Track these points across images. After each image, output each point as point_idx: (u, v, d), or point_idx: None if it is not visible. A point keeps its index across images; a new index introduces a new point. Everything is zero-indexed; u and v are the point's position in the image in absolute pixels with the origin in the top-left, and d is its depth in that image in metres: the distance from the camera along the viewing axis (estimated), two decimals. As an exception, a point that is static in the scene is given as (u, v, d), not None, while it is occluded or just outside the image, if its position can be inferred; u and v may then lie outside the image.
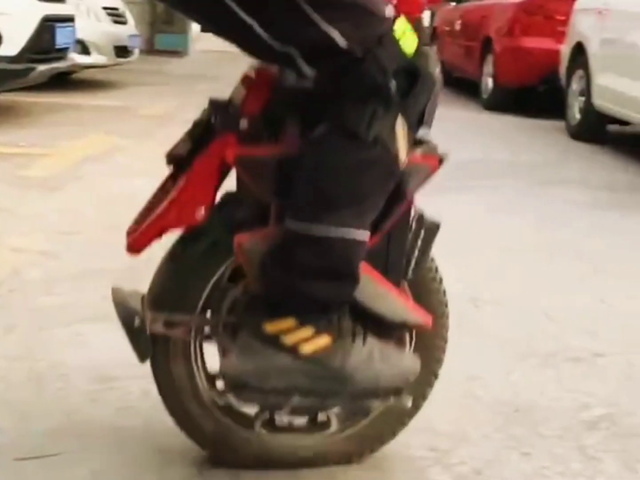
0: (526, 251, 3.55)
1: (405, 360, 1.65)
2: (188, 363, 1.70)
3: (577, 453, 1.92)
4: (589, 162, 5.95)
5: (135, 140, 5.52)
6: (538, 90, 8.39)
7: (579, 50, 6.95)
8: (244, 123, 1.57)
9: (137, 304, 1.67)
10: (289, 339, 1.53)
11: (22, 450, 1.78)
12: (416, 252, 1.67)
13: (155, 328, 1.64)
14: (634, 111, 5.94)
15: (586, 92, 6.75)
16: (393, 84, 1.46)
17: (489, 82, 8.94)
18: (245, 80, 1.64)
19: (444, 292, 1.76)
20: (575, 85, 7.06)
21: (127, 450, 1.82)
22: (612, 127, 6.88)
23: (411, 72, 1.49)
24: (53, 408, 1.96)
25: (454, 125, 6.68)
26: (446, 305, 1.77)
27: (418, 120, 1.54)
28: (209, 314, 1.68)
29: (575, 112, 7.03)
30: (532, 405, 2.13)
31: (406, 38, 1.50)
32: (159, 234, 1.61)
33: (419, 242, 1.66)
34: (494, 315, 2.75)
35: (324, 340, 1.55)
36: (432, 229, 1.68)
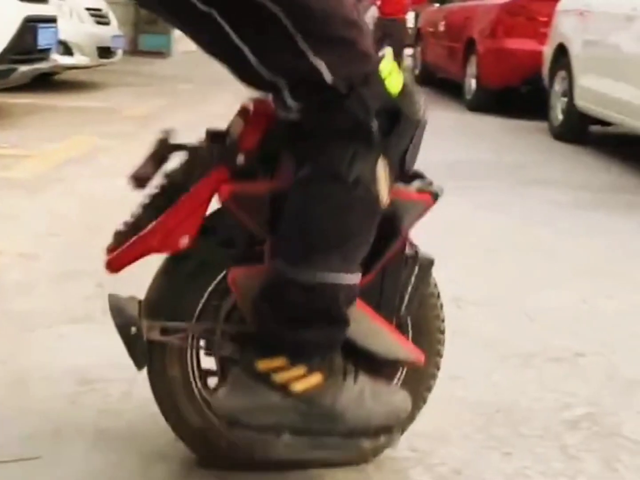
0: (509, 251, 3.56)
1: (396, 399, 1.65)
2: (184, 368, 1.70)
3: (558, 453, 1.92)
4: (572, 162, 5.98)
5: (119, 141, 5.50)
6: (521, 91, 8.42)
7: (561, 52, 6.99)
8: (240, 159, 1.57)
9: (133, 311, 1.67)
10: (280, 377, 1.54)
11: (2, 454, 1.77)
12: (410, 289, 1.67)
13: (152, 335, 1.65)
14: (616, 112, 5.98)
15: (568, 93, 6.79)
16: (375, 124, 1.46)
17: (472, 83, 8.97)
18: (243, 112, 1.64)
19: (444, 330, 1.78)
20: (558, 86, 7.10)
21: (109, 452, 1.81)
22: (595, 128, 6.92)
23: (394, 113, 1.48)
24: (33, 410, 1.95)
25: (437, 126, 6.67)
26: (443, 344, 1.79)
27: (400, 160, 1.53)
28: (206, 321, 1.68)
29: (557, 113, 7.07)
30: (514, 405, 2.14)
31: (392, 78, 1.49)
32: (140, 255, 1.61)
33: (413, 279, 1.67)
34: (476, 315, 2.76)
35: (315, 379, 1.55)
36: (426, 265, 1.68)
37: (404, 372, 1.76)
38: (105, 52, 8.60)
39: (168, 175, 1.63)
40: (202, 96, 7.94)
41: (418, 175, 1.67)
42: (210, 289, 1.66)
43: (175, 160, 1.65)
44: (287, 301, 1.51)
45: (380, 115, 1.47)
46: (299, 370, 1.54)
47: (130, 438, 1.86)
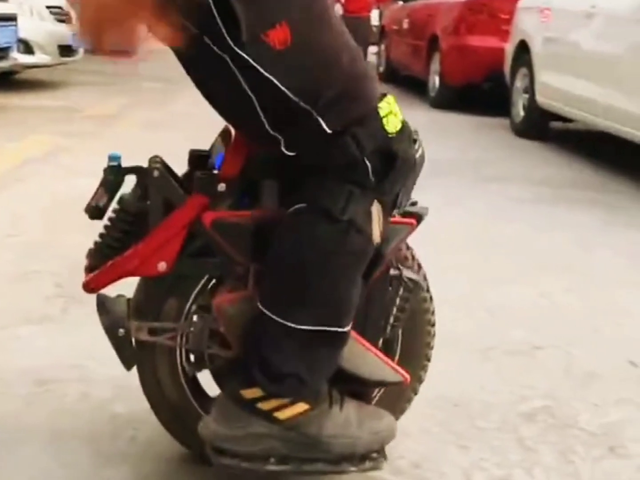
0: (470, 247, 3.58)
1: (382, 424, 1.65)
2: (174, 367, 1.70)
3: (515, 445, 1.94)
4: (533, 158, 6.03)
5: (80, 141, 5.45)
6: (483, 88, 8.47)
7: (523, 49, 7.05)
8: (221, 187, 1.56)
9: (121, 311, 1.66)
10: (265, 405, 1.55)
11: (-44, 456, 1.75)
12: (394, 311, 1.68)
13: (141, 336, 1.64)
14: (576, 108, 6.04)
15: (530, 89, 6.84)
16: (369, 164, 1.46)
17: (435, 80, 9.01)
18: (225, 137, 1.63)
19: (433, 346, 1.80)
20: (519, 83, 7.15)
21: (65, 453, 1.79)
22: (555, 124, 6.99)
23: (390, 155, 1.49)
24: (-12, 413, 1.93)
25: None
26: (429, 360, 1.80)
27: (393, 200, 1.55)
28: (195, 319, 1.67)
29: (519, 110, 7.12)
30: (472, 399, 2.16)
31: (391, 117, 1.50)
32: (118, 278, 1.61)
33: (397, 301, 1.68)
34: (437, 311, 2.76)
35: (300, 407, 1.56)
36: (410, 287, 1.69)
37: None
38: (66, 50, 8.49)
39: (124, 201, 1.62)
40: (166, 95, 7.89)
41: None
42: (197, 289, 1.66)
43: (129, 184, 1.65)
44: (272, 341, 1.51)
45: (376, 156, 1.47)
46: (284, 399, 1.55)
47: (87, 439, 1.85)
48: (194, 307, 1.67)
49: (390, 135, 1.49)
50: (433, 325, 1.79)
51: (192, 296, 1.66)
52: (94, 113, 6.77)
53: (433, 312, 1.79)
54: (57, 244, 3.19)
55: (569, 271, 3.34)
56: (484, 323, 2.71)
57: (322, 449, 1.59)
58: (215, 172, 1.60)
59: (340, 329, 1.52)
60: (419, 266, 1.75)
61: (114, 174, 1.63)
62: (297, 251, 1.48)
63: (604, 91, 5.55)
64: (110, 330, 1.65)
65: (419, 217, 1.65)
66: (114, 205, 1.64)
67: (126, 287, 1.69)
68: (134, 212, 1.61)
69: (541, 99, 6.60)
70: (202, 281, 1.66)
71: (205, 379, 1.76)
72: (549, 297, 3.02)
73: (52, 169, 4.62)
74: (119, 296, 1.71)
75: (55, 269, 2.88)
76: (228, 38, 1.39)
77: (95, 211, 1.63)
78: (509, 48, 7.43)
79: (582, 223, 4.18)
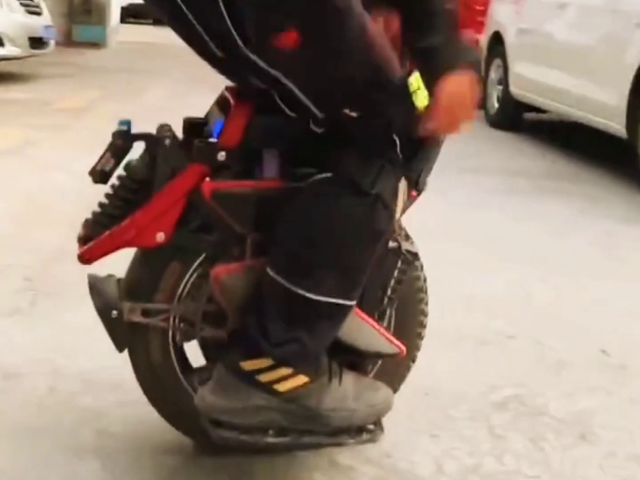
0: (445, 237, 3.58)
1: (379, 397, 1.65)
2: (166, 350, 1.67)
3: (486, 433, 1.95)
4: (508, 149, 6.05)
5: (51, 134, 5.39)
6: (458, 79, 8.48)
7: (497, 40, 7.07)
8: (221, 156, 1.54)
9: (112, 292, 1.63)
10: (265, 377, 1.53)
11: None
12: (392, 283, 1.67)
13: (134, 317, 1.62)
14: (550, 99, 6.07)
15: (504, 81, 6.87)
16: (397, 141, 1.46)
17: (411, 73, 9.01)
18: (223, 103, 1.60)
19: (423, 336, 1.80)
20: (494, 74, 7.17)
21: (34, 447, 1.77)
22: (529, 115, 7.02)
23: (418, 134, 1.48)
24: (-45, 407, 1.90)
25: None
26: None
27: (415, 180, 1.55)
28: (188, 301, 1.65)
29: (493, 101, 7.14)
30: (443, 388, 2.16)
31: (420, 92, 1.48)
32: (114, 249, 1.58)
33: (395, 273, 1.67)
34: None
35: (300, 380, 1.55)
36: (409, 259, 1.68)
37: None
38: (37, 42, 8.41)
39: (130, 167, 1.58)
40: (137, 88, 7.83)
41: None
42: (191, 269, 1.63)
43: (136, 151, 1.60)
44: (278, 309, 1.50)
45: (404, 133, 1.47)
46: (285, 371, 1.54)
47: (55, 433, 1.82)
48: (188, 286, 1.63)
49: (419, 111, 1.48)
50: (426, 315, 1.79)
51: (186, 277, 1.62)
52: (65, 106, 6.70)
53: (427, 303, 1.78)
54: (28, 237, 3.15)
55: (543, 261, 3.35)
56: (457, 312, 2.71)
57: (321, 422, 1.58)
58: (214, 140, 1.56)
59: (349, 302, 1.52)
60: (416, 255, 1.74)
61: (123, 139, 1.57)
62: (317, 221, 1.47)
63: (577, 82, 5.58)
64: (103, 312, 1.62)
65: (419, 189, 1.63)
66: (119, 171, 1.58)
67: (115, 260, 1.64)
68: (140, 180, 1.56)
69: (515, 90, 6.63)
70: (196, 262, 1.63)
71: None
72: (522, 286, 3.03)
73: (22, 162, 4.56)
74: (109, 276, 1.68)
75: (25, 263, 2.85)
76: (240, 42, 1.39)
77: (101, 175, 1.57)
78: (483, 39, 7.45)
79: (556, 213, 4.20)
